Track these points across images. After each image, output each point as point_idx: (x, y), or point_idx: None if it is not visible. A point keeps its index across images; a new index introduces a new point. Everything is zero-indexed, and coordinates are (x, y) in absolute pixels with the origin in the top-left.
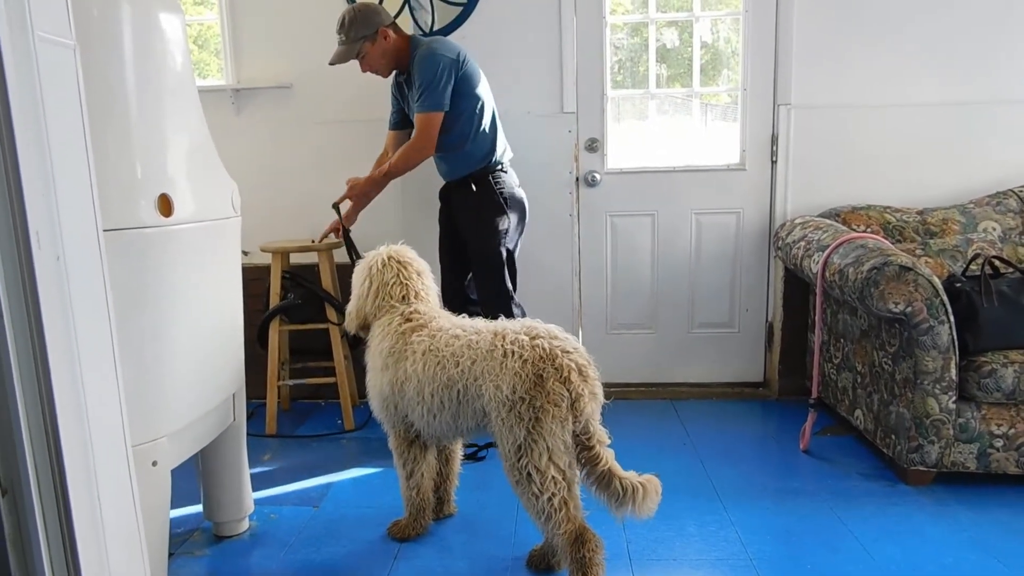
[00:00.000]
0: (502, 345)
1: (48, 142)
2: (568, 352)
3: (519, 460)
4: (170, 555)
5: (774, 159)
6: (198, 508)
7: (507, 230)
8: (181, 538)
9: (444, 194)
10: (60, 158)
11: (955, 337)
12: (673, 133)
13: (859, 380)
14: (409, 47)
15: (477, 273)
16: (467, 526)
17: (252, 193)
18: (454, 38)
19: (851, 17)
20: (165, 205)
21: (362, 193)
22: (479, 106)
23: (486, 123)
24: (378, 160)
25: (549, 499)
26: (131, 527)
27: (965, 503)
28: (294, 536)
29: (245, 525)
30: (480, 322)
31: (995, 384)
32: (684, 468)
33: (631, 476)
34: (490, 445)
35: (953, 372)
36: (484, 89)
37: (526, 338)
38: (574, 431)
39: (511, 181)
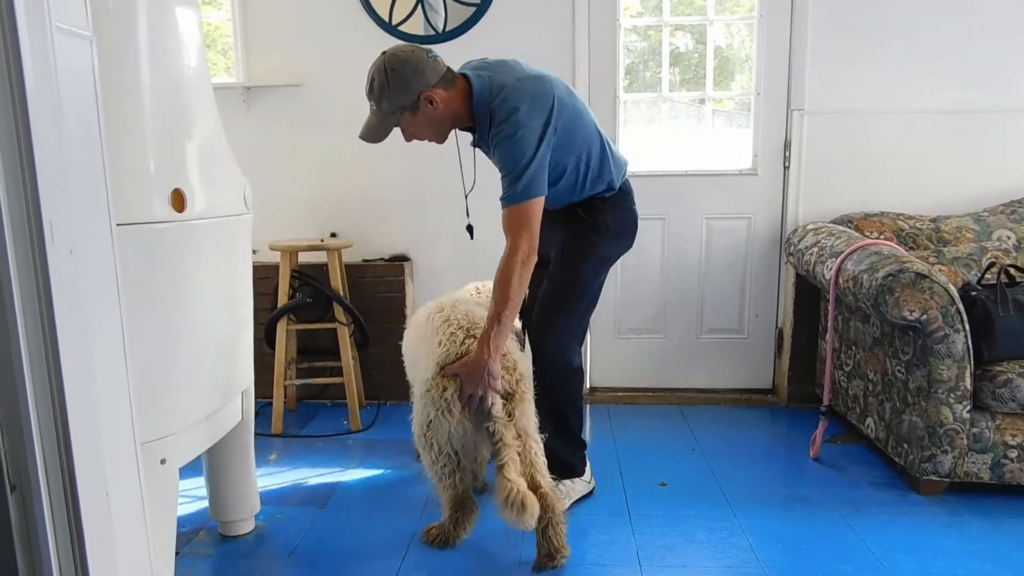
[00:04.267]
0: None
1: (63, 133)
2: None
3: None
4: (175, 554)
5: (787, 164)
6: (204, 507)
7: (602, 256)
8: (187, 537)
9: None
10: (75, 150)
11: (970, 346)
12: (685, 137)
13: (871, 388)
14: (471, 101)
15: (548, 294)
16: (476, 526)
17: (261, 191)
18: (466, 38)
19: (865, 23)
20: (178, 200)
21: (476, 363)
22: (584, 153)
23: (594, 165)
24: None
25: None
26: (139, 525)
27: (978, 514)
28: (300, 536)
29: (251, 525)
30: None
31: (1010, 394)
32: (693, 474)
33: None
34: None
35: (968, 381)
36: (587, 129)
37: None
38: None
39: (620, 203)
